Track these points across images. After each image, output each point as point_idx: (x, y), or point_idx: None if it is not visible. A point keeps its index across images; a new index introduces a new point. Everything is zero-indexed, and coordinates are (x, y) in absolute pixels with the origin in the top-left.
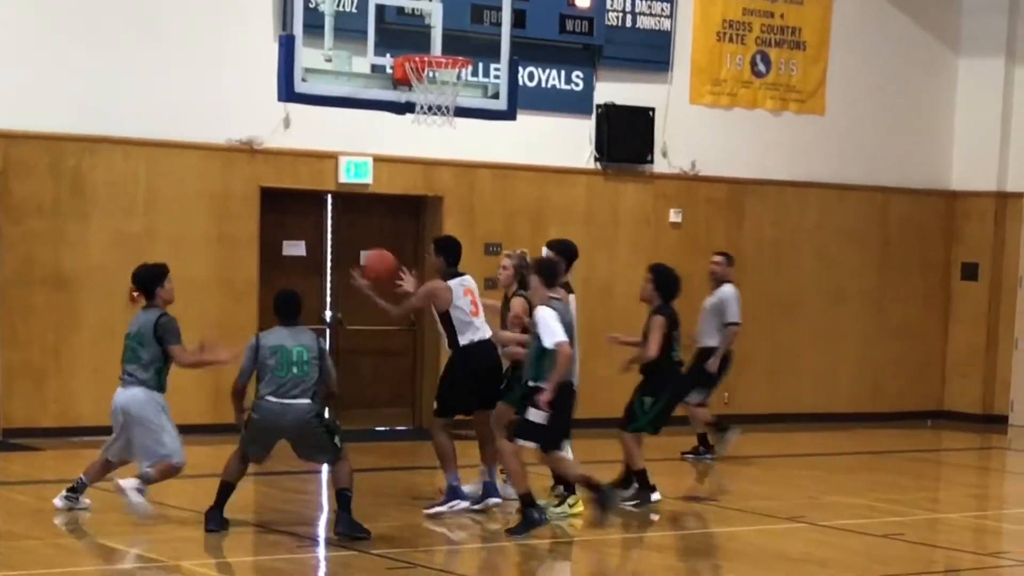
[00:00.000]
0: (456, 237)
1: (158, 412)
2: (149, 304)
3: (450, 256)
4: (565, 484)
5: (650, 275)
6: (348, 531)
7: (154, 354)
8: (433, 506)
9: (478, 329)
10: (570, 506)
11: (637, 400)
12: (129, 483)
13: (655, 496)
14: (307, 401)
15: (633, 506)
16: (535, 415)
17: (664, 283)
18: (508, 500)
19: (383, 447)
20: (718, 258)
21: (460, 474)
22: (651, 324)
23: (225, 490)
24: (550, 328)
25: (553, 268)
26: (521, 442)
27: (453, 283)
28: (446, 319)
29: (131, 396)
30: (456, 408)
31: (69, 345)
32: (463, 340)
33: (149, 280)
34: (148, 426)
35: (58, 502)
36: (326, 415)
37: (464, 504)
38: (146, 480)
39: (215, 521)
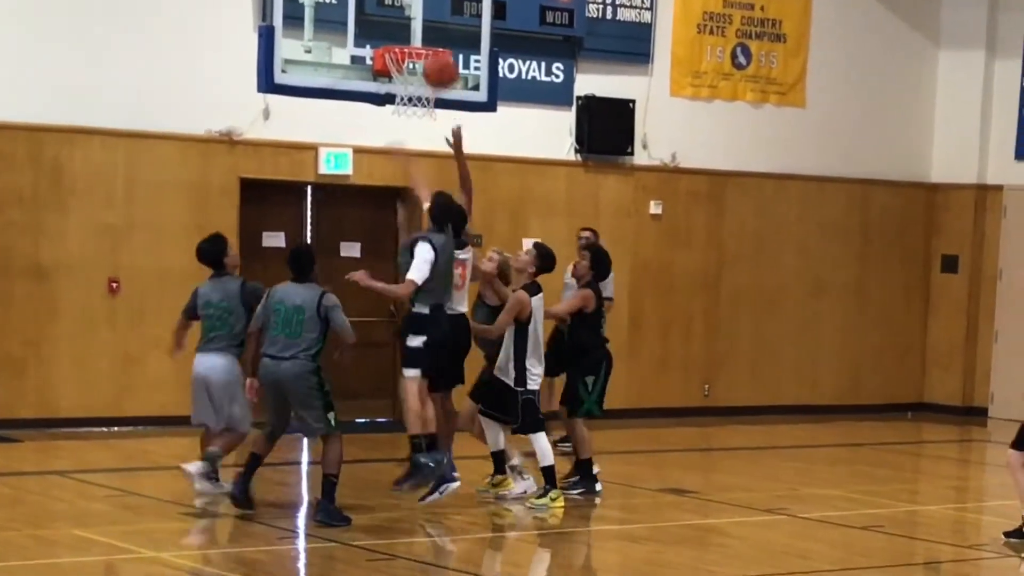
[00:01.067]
0: (450, 197)
1: (237, 380)
2: (220, 273)
3: (437, 218)
4: (502, 470)
5: (587, 253)
6: (327, 520)
7: (240, 322)
8: (423, 497)
9: (456, 301)
10: (552, 499)
11: (580, 383)
12: (194, 467)
13: (598, 487)
14: (299, 360)
15: (579, 495)
16: (412, 340)
17: (600, 263)
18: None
19: (364, 439)
20: (586, 233)
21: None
22: (575, 293)
23: (252, 461)
24: (418, 262)
25: (446, 209)
26: (408, 372)
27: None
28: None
29: (212, 364)
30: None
31: (48, 336)
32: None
33: (214, 253)
34: (229, 392)
35: (199, 485)
36: (325, 386)
37: (455, 485)
38: (212, 459)
39: (239, 488)
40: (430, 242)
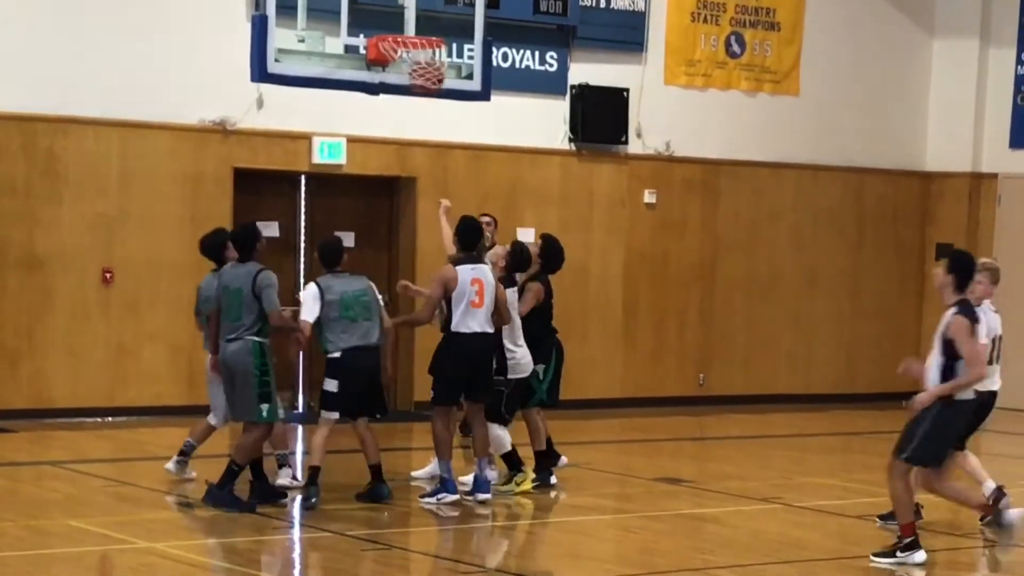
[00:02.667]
0: (475, 218)
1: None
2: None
3: (462, 240)
4: (516, 467)
5: (539, 242)
6: (213, 503)
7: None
8: (424, 495)
9: (474, 320)
10: (517, 484)
11: (531, 373)
12: (283, 481)
13: (553, 480)
14: (241, 340)
15: (533, 488)
16: (327, 384)
17: (550, 254)
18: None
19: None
20: (487, 218)
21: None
22: (526, 288)
23: (252, 469)
24: (304, 303)
25: (328, 251)
26: (325, 414)
27: (462, 269)
28: (447, 303)
29: None
30: (448, 396)
31: (42, 327)
32: (454, 327)
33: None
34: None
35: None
36: (266, 374)
37: (453, 497)
38: (284, 462)
39: (227, 499)
40: (316, 282)
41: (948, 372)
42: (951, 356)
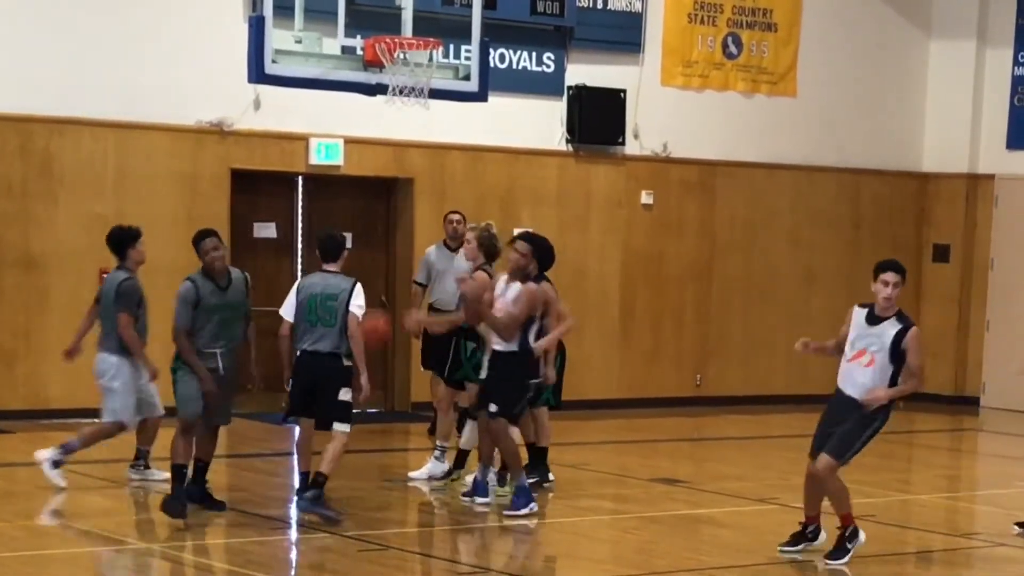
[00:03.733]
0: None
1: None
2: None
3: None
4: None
5: (527, 245)
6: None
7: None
8: (508, 511)
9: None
10: (510, 482)
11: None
12: (44, 455)
13: (550, 476)
14: None
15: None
16: (290, 385)
17: (540, 253)
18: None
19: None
20: (455, 216)
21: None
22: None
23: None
24: (285, 302)
25: (325, 244)
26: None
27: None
28: (530, 321)
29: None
30: (518, 408)
31: (39, 327)
32: (530, 343)
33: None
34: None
35: (133, 474)
36: (178, 369)
37: (535, 507)
38: (67, 450)
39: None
40: (296, 284)
41: (894, 381)
42: (900, 365)
